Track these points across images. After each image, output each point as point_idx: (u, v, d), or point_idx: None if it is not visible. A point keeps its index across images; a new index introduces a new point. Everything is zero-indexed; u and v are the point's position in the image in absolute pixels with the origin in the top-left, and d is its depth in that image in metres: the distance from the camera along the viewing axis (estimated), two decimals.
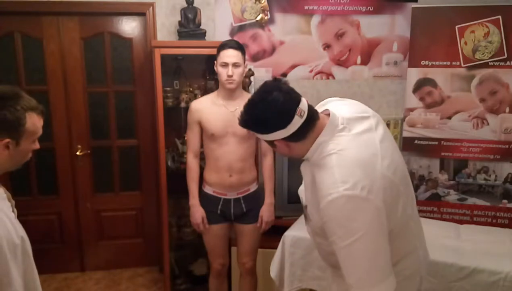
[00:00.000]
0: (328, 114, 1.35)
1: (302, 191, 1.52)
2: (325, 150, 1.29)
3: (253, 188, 2.54)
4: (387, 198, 1.25)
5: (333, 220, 1.23)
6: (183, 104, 3.05)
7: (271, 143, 1.35)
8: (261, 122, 1.28)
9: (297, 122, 1.26)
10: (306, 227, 1.56)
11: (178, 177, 2.79)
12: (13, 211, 1.32)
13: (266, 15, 3.29)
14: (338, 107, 1.40)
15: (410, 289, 1.47)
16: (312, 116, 1.30)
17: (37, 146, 1.37)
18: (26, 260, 1.29)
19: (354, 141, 1.30)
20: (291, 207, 2.93)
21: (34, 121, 1.32)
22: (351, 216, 1.20)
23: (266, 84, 1.31)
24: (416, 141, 3.28)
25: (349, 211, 1.20)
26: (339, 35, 3.40)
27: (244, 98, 2.44)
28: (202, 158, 2.57)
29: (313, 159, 1.33)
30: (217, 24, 3.26)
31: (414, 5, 3.24)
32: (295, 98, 1.27)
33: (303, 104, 1.28)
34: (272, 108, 1.24)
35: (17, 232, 1.26)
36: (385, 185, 1.25)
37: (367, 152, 1.29)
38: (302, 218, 1.70)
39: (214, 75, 2.77)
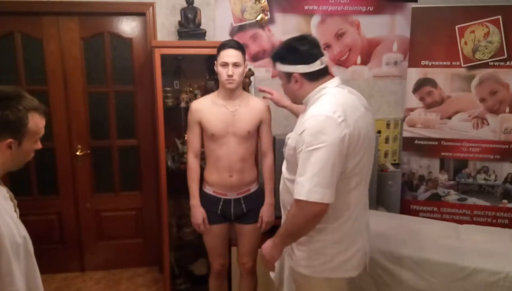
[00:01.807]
0: None
1: (288, 135, 1.80)
2: (323, 92, 1.69)
3: (253, 188, 2.54)
4: (353, 138, 1.57)
5: (309, 129, 1.56)
6: (183, 104, 3.04)
7: (288, 76, 1.73)
8: (293, 52, 1.67)
9: (316, 65, 1.68)
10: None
11: (178, 177, 2.79)
12: (15, 210, 1.32)
13: (266, 15, 3.29)
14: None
15: (352, 251, 1.74)
16: (327, 70, 1.73)
17: (39, 145, 1.37)
18: (28, 260, 1.29)
19: (346, 95, 1.70)
20: None
21: (37, 122, 1.32)
22: (323, 129, 1.53)
23: (304, 34, 1.77)
24: (416, 141, 3.28)
25: (323, 126, 1.54)
26: (339, 35, 3.41)
27: (244, 98, 2.45)
28: (202, 158, 2.57)
29: (312, 100, 1.70)
30: (217, 24, 3.26)
31: (414, 5, 3.24)
32: (321, 51, 1.72)
33: (326, 58, 1.73)
34: (307, 45, 1.67)
35: (19, 232, 1.26)
36: (354, 129, 1.57)
37: (353, 103, 1.67)
38: None
39: (214, 75, 2.77)
